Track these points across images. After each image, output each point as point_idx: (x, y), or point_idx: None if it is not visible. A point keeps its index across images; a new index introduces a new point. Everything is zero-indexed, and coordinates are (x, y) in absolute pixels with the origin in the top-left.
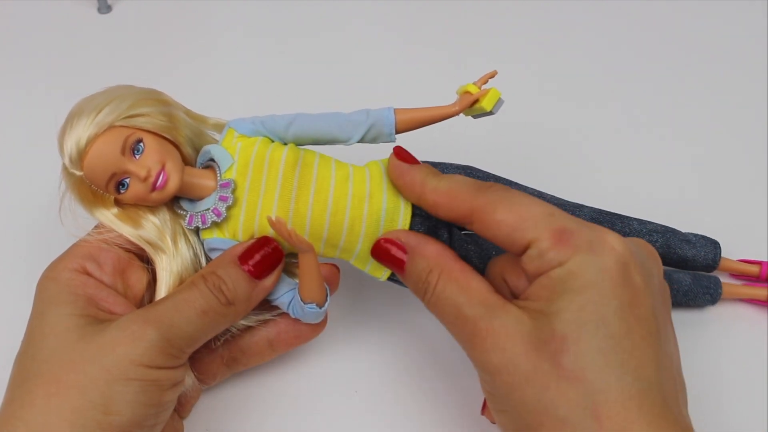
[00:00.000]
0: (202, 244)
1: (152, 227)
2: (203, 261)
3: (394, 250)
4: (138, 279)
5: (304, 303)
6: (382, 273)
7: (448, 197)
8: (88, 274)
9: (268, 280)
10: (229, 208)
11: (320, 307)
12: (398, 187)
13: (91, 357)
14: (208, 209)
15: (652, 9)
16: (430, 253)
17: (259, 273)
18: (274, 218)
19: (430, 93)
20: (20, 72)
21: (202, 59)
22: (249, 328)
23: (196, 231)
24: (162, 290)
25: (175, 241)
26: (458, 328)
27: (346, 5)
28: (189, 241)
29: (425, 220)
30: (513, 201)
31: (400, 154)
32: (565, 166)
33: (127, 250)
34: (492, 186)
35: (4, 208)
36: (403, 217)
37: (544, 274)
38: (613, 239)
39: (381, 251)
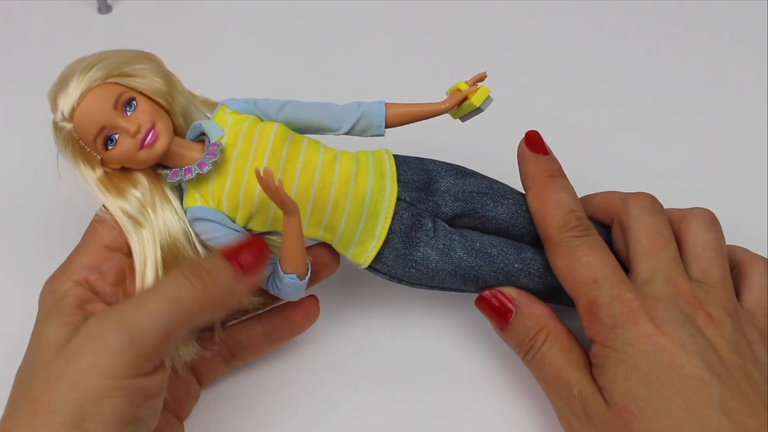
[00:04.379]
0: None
1: (134, 199)
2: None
3: (504, 301)
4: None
5: (285, 273)
6: (364, 259)
7: (541, 211)
8: (91, 284)
9: (255, 275)
10: (215, 164)
11: (301, 279)
12: (521, 165)
13: (60, 373)
14: (193, 164)
15: (652, 9)
16: (540, 313)
17: (244, 265)
18: (262, 171)
19: (427, 92)
20: (20, 72)
21: (202, 59)
22: (244, 323)
23: (179, 189)
24: (149, 272)
25: (155, 209)
26: (555, 389)
27: (345, 5)
28: (176, 210)
29: (410, 206)
30: (575, 253)
31: (530, 140)
32: (564, 166)
33: (128, 255)
34: (574, 228)
35: (2, 209)
36: (388, 200)
37: (590, 348)
38: (640, 313)
39: (488, 300)
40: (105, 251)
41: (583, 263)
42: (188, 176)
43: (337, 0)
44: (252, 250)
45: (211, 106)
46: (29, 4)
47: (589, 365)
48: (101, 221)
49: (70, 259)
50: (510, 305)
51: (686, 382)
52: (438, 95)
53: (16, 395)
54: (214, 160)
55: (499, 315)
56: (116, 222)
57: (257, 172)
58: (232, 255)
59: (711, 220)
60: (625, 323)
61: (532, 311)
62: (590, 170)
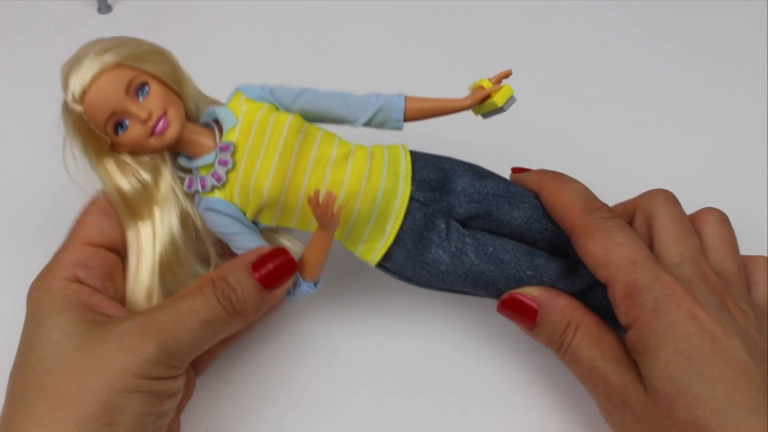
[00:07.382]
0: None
1: (139, 188)
2: (197, 220)
3: (526, 302)
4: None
5: (303, 280)
6: (372, 257)
7: (560, 202)
8: (80, 281)
9: (279, 291)
10: (228, 172)
11: (315, 286)
12: (523, 182)
13: (91, 367)
14: (208, 174)
15: (653, 9)
16: (564, 305)
17: (270, 282)
18: (322, 194)
19: (436, 91)
20: (20, 72)
21: (202, 59)
22: None
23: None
24: (145, 270)
25: (162, 207)
26: (591, 381)
27: (347, 4)
28: (179, 198)
29: (423, 206)
30: (609, 235)
31: (516, 170)
32: (569, 166)
33: (114, 251)
34: (599, 210)
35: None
36: (400, 200)
37: (627, 334)
38: (682, 294)
39: (510, 303)
40: (89, 248)
41: (619, 244)
42: (204, 189)
43: None
44: (278, 266)
45: None
46: (29, 4)
47: (624, 352)
48: (91, 211)
49: (56, 257)
50: (533, 305)
51: (730, 366)
52: (453, 92)
53: (23, 389)
54: (227, 169)
55: (525, 316)
56: (111, 208)
57: (312, 199)
58: (257, 267)
59: (725, 219)
60: (668, 305)
61: (555, 306)
62: (593, 172)
